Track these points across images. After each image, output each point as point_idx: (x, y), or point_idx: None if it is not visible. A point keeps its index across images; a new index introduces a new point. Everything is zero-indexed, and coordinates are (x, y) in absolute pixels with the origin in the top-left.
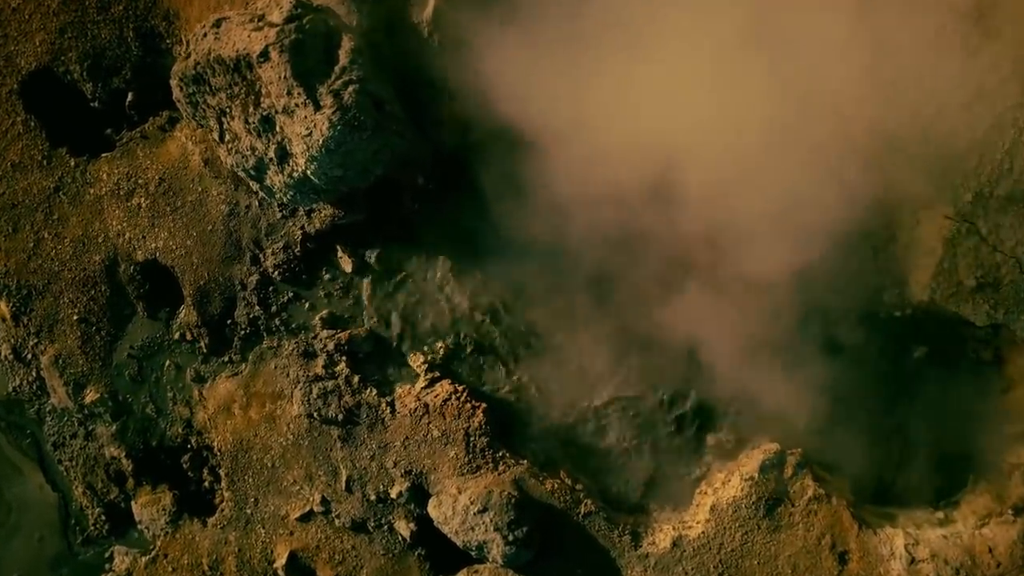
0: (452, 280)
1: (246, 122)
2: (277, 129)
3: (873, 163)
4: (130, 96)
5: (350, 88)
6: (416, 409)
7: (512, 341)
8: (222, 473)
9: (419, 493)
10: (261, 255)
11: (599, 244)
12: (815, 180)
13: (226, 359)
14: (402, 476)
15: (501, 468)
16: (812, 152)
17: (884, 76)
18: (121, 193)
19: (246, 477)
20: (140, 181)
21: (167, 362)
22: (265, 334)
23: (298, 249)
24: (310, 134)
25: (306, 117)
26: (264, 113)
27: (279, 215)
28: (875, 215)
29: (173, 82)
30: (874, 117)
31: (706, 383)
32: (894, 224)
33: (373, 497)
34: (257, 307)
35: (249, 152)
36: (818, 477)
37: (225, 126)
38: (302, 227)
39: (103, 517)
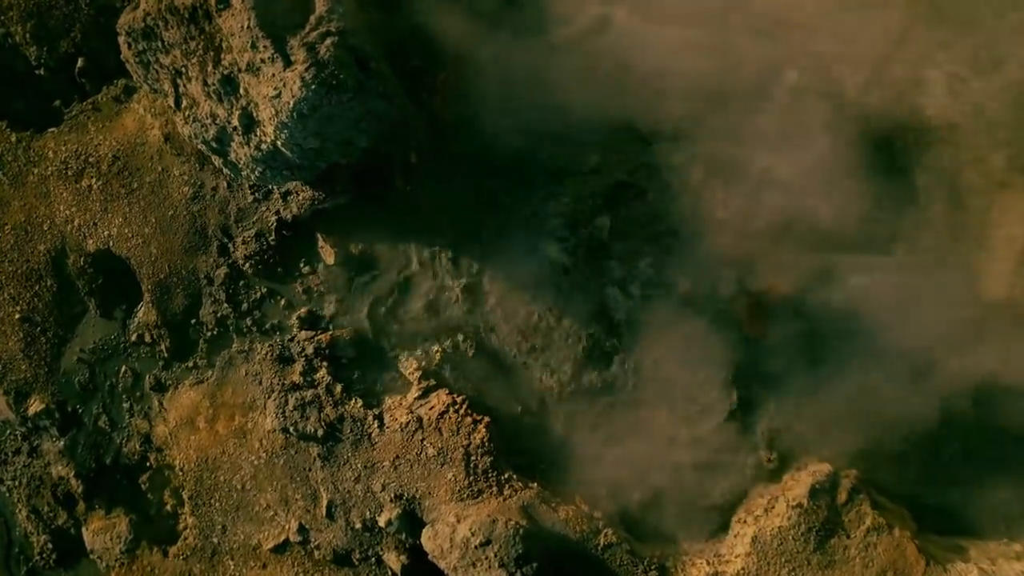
0: (451, 274)
1: (205, 84)
2: (241, 91)
3: None
4: (80, 62)
5: (327, 41)
6: (408, 423)
7: (518, 345)
8: (185, 496)
9: (411, 521)
10: (230, 244)
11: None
12: None
13: (190, 364)
14: (392, 501)
15: (507, 493)
16: None
17: None
18: (70, 173)
19: (212, 501)
20: (91, 159)
21: (123, 368)
22: (235, 336)
23: (272, 238)
24: (279, 95)
25: (274, 75)
26: (225, 72)
27: (251, 198)
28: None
29: (120, 38)
30: None
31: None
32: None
33: (358, 525)
34: (226, 304)
35: (209, 120)
36: (877, 503)
37: (181, 90)
38: (277, 212)
39: (50, 545)
